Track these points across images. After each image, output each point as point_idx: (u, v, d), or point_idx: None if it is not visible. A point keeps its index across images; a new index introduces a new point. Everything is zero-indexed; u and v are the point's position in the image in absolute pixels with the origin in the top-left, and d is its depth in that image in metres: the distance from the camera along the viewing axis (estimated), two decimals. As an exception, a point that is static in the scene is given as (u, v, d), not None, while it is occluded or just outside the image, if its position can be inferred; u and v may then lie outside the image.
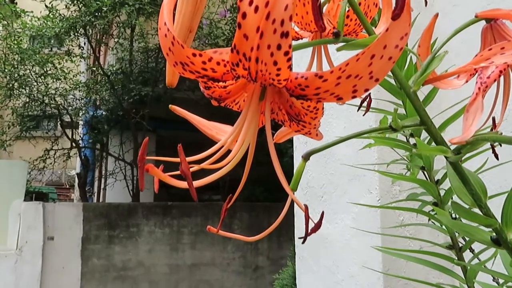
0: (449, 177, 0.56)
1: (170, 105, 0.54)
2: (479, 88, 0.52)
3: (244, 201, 7.18)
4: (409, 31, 0.37)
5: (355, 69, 0.35)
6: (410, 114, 1.07)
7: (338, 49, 0.47)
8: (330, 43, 0.45)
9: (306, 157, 0.54)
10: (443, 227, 1.08)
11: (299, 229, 2.90)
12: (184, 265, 6.68)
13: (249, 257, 6.86)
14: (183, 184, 0.35)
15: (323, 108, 0.43)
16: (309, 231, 0.40)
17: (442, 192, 1.09)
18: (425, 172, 1.14)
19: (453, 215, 1.10)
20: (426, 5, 0.79)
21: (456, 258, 1.06)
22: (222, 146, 0.42)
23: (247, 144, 0.39)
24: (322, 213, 0.40)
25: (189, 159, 0.37)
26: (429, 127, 0.50)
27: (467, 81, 0.57)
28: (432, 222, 1.29)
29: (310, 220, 0.40)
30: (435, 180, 1.12)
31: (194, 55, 0.37)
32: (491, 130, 0.59)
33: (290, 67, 0.34)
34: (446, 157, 0.51)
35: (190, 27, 0.55)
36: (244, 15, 0.32)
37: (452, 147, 0.52)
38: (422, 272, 2.11)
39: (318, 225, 0.39)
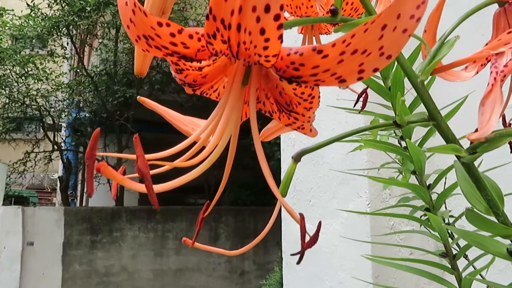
0: (458, 181, 0.49)
1: (138, 97, 0.46)
2: (495, 78, 0.45)
3: (230, 205, 7.09)
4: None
5: (362, 42, 0.27)
6: (400, 116, 1.01)
7: (336, 30, 0.39)
8: (327, 22, 0.38)
9: (297, 158, 0.46)
10: (436, 233, 1.03)
11: (286, 234, 2.83)
12: (168, 270, 6.54)
13: (235, 262, 6.76)
14: (140, 187, 0.28)
15: (319, 96, 0.36)
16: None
17: (433, 197, 1.04)
18: (416, 176, 1.08)
19: (446, 221, 1.04)
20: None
21: (450, 266, 1.00)
22: (196, 142, 0.34)
23: (227, 138, 0.32)
24: (319, 224, 0.32)
25: (153, 156, 0.29)
26: (439, 122, 0.43)
27: (477, 72, 0.51)
28: (426, 228, 1.23)
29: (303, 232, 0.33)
30: (427, 184, 1.07)
31: (159, 24, 0.29)
32: (504, 127, 0.52)
33: (281, 38, 0.27)
34: (458, 158, 0.44)
35: (163, 7, 0.48)
36: (221, -34, 0.24)
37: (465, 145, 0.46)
38: (413, 278, 2.06)
39: (314, 239, 0.31)
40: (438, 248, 2.02)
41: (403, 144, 1.14)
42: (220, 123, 0.31)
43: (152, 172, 0.33)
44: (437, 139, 1.11)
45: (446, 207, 1.07)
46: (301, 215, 0.30)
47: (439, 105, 0.92)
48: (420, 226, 1.23)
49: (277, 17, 0.25)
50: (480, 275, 0.92)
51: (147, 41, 0.31)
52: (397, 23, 0.28)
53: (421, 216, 1.12)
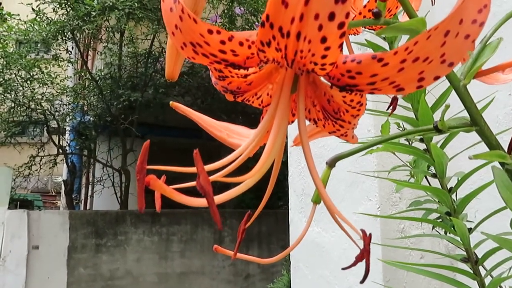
0: (498, 186, 0.48)
1: (170, 102, 0.45)
2: (537, 83, 0.44)
3: (234, 208, 7.08)
4: (489, 3, 0.29)
5: (424, 49, 0.26)
6: (422, 118, 1.01)
7: (378, 33, 0.38)
8: (370, 25, 0.37)
9: (332, 164, 0.46)
10: (458, 238, 1.02)
11: (294, 237, 2.82)
12: (173, 273, 6.53)
13: (239, 265, 6.74)
14: (197, 202, 0.27)
15: (366, 103, 0.35)
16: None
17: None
18: (438, 179, 1.07)
19: (468, 226, 1.03)
20: (433, 3, 0.72)
21: (472, 271, 0.99)
22: (240, 154, 0.33)
23: (278, 148, 0.30)
24: (370, 235, 0.31)
25: (207, 167, 0.28)
26: (482, 127, 0.42)
27: (516, 76, 0.49)
28: (436, 231, 1.22)
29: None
30: (448, 188, 1.06)
31: (210, 32, 0.28)
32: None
33: (341, 47, 0.26)
34: (502, 164, 0.43)
35: (195, 10, 0.47)
36: (285, -28, 0.23)
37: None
38: (423, 282, 2.04)
39: (366, 252, 0.30)
40: (450, 252, 2.02)
41: (414, 145, 1.13)
42: (272, 133, 0.30)
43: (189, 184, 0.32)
44: (454, 141, 1.10)
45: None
46: (363, 231, 0.29)
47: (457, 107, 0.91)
48: (432, 229, 1.22)
49: (341, 25, 0.24)
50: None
51: (194, 48, 0.30)
52: (460, 28, 0.27)
53: (435, 219, 1.11)
